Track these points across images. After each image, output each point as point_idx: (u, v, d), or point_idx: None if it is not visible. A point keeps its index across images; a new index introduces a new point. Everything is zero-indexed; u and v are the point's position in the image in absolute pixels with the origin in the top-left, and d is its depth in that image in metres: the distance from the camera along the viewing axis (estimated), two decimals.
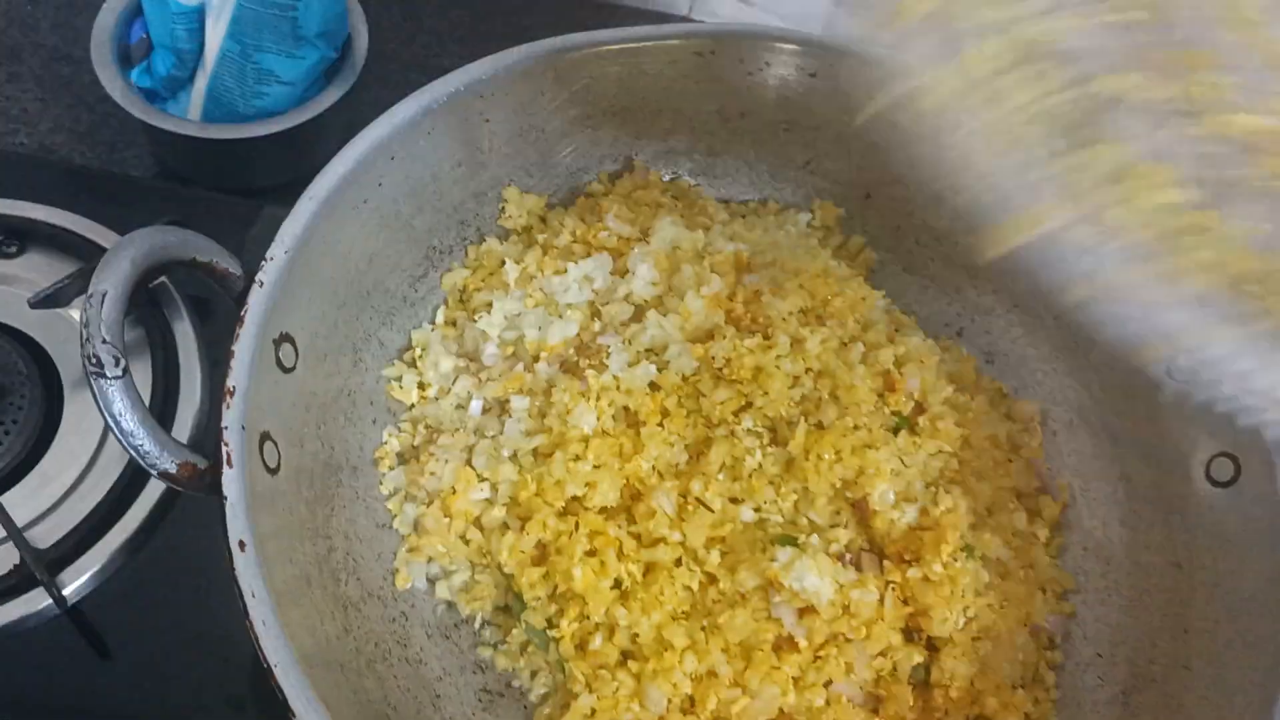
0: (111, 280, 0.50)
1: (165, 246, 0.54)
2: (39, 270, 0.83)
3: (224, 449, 0.53)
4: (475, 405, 0.70)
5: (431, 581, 0.67)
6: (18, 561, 0.70)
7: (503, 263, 0.73)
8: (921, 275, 0.83)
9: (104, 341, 0.49)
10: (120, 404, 0.49)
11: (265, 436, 0.57)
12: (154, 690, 0.70)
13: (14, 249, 0.84)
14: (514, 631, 0.66)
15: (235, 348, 0.56)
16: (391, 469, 0.69)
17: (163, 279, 0.82)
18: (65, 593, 0.70)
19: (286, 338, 0.60)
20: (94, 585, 0.72)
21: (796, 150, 0.82)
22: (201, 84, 0.96)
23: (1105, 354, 0.75)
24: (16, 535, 0.69)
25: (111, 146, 1.00)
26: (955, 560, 0.64)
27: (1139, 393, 0.73)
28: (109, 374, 0.49)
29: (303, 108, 0.93)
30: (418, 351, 0.71)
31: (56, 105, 1.02)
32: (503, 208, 0.76)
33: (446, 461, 0.68)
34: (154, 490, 0.74)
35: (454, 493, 0.67)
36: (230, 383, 0.55)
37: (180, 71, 0.96)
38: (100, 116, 1.02)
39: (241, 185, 0.93)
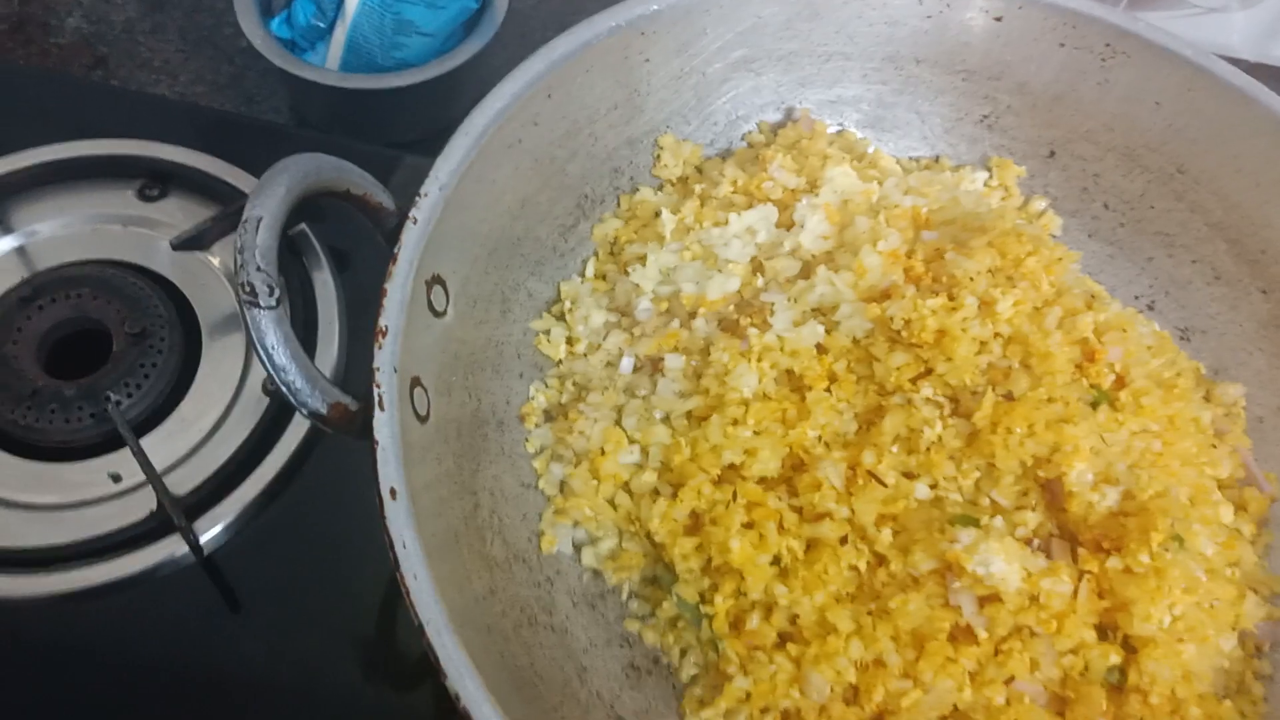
0: (267, 205, 0.47)
1: (320, 174, 0.51)
2: (180, 214, 0.81)
3: (376, 391, 0.50)
4: (626, 363, 0.65)
5: (578, 547, 0.63)
6: (155, 507, 0.69)
7: (657, 213, 0.69)
8: (1108, 242, 0.76)
9: (258, 269, 0.46)
10: (273, 336, 0.46)
11: (415, 382, 0.53)
12: (284, 646, 0.67)
13: (155, 193, 0.83)
14: (663, 605, 0.61)
15: (387, 286, 0.52)
16: (538, 426, 0.65)
17: (302, 226, 0.79)
18: (201, 540, 0.68)
19: (438, 280, 0.57)
20: (228, 535, 0.70)
21: (974, 102, 0.75)
22: (340, 34, 0.94)
23: None
24: (156, 480, 0.67)
25: (250, 98, 0.99)
26: (1165, 551, 0.56)
27: None
28: (263, 303, 0.46)
29: (441, 60, 0.90)
30: (567, 304, 0.67)
31: (198, 57, 1.01)
32: (658, 156, 0.71)
33: (595, 421, 0.63)
34: (291, 439, 0.72)
35: (602, 454, 0.63)
36: (383, 322, 0.51)
37: (320, 21, 0.94)
38: (239, 68, 1.01)
39: (377, 138, 0.91)
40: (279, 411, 0.73)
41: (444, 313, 0.57)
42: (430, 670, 0.65)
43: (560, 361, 0.67)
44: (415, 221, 0.54)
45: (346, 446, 0.73)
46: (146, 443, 0.70)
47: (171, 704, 0.66)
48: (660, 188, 0.72)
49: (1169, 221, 0.74)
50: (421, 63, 0.92)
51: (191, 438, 0.73)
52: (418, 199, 0.55)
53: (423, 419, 0.54)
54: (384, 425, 0.49)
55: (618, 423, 0.64)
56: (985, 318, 0.60)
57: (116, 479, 0.71)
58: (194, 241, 0.74)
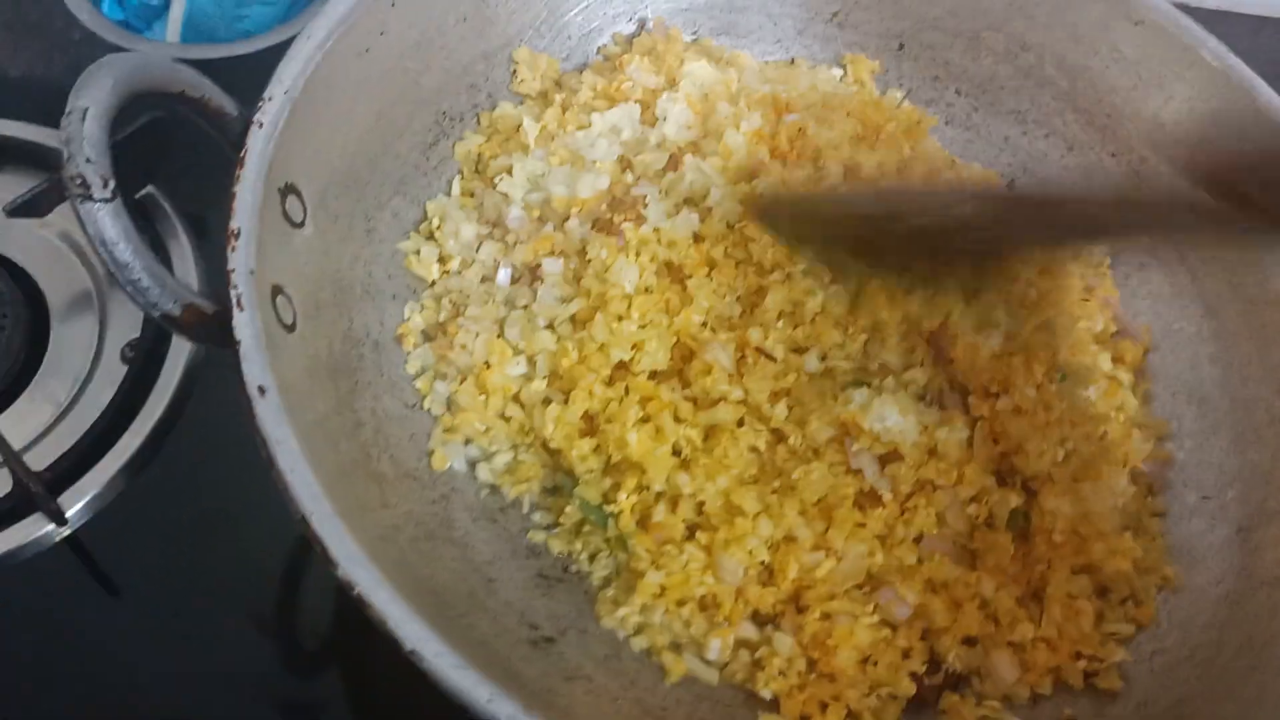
0: (93, 95, 0.44)
1: (149, 72, 0.48)
2: (11, 188, 0.76)
3: (233, 292, 0.47)
4: (503, 274, 0.63)
5: (472, 464, 0.61)
6: (10, 486, 0.64)
7: (519, 126, 0.67)
8: (965, 128, 0.77)
9: (88, 160, 0.42)
10: (112, 230, 0.43)
11: (277, 290, 0.51)
12: (170, 630, 0.63)
13: None
14: (566, 511, 0.59)
15: (236, 189, 0.50)
16: (416, 346, 0.63)
17: (150, 189, 0.75)
18: (66, 515, 0.63)
19: (292, 189, 0.54)
20: (96, 510, 0.65)
21: (824, 1, 0.76)
22: (178, 10, 0.91)
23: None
24: (10, 455, 0.62)
25: None
26: (1050, 384, 0.57)
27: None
28: (96, 195, 0.42)
29: (286, 25, 0.87)
30: (435, 222, 0.65)
31: (27, 50, 0.95)
32: (514, 71, 0.70)
33: (477, 335, 0.61)
34: (156, 404, 0.68)
35: (488, 368, 0.61)
36: (234, 224, 0.48)
37: None
38: (73, 58, 0.95)
39: None
40: (140, 374, 0.69)
41: (302, 224, 0.55)
42: (338, 651, 0.63)
43: (434, 282, 0.64)
44: (260, 125, 0.52)
45: (219, 408, 0.70)
46: None
47: (48, 700, 0.62)
48: (520, 103, 0.70)
49: (1019, 99, 0.75)
50: (264, 32, 0.88)
51: (47, 413, 0.68)
52: (261, 103, 0.52)
53: (289, 328, 0.51)
54: (245, 325, 0.46)
55: (500, 335, 0.62)
56: (851, 183, 0.61)
57: None
58: (29, 208, 0.69)
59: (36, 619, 0.63)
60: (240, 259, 0.48)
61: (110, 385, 0.69)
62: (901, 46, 0.77)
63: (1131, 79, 0.70)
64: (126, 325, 0.71)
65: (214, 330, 0.47)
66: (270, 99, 0.53)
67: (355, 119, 0.60)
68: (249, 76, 0.87)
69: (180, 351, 0.70)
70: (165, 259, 0.74)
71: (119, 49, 0.84)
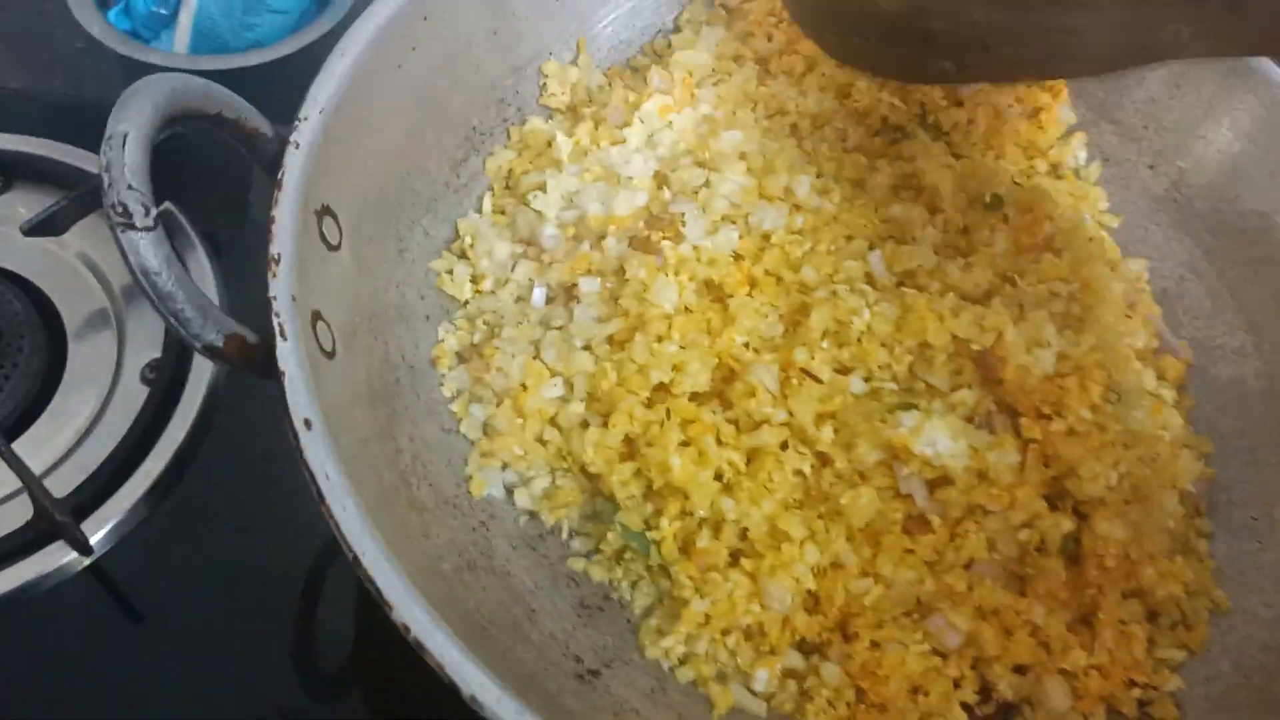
0: (132, 121, 0.42)
1: (187, 94, 0.47)
2: (27, 205, 0.75)
3: (276, 320, 0.45)
4: (538, 294, 0.62)
5: (509, 489, 0.59)
6: (32, 515, 0.62)
7: (550, 141, 0.66)
8: None
9: (129, 187, 0.41)
10: (155, 259, 0.41)
11: (317, 316, 0.49)
12: (195, 656, 0.61)
13: None
14: (607, 538, 0.58)
15: (276, 213, 0.48)
16: (451, 369, 0.61)
17: (168, 205, 0.73)
18: (92, 543, 0.61)
19: (328, 211, 0.52)
20: (119, 537, 0.64)
21: None
22: (186, 20, 0.88)
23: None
24: (33, 482, 0.60)
25: (96, 95, 0.91)
26: (1106, 404, 0.56)
27: (1254, 236, 0.67)
28: (139, 223, 0.41)
29: (296, 36, 0.85)
30: (467, 241, 0.63)
31: (31, 63, 0.93)
32: (544, 84, 0.69)
33: (513, 356, 0.60)
34: (178, 428, 0.66)
35: (524, 390, 0.59)
36: (275, 249, 0.47)
37: (161, 8, 0.88)
38: (78, 70, 0.93)
39: None
40: (162, 399, 0.67)
41: (338, 246, 0.53)
42: (360, 675, 0.61)
43: (467, 301, 0.63)
44: (298, 146, 0.50)
45: (241, 431, 0.68)
46: (16, 447, 0.63)
47: None
48: (550, 117, 0.69)
49: None
50: (276, 41, 0.87)
51: (67, 438, 0.66)
52: (297, 123, 0.51)
53: (329, 355, 0.49)
54: (289, 355, 0.45)
55: (536, 356, 0.60)
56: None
57: None
58: (46, 226, 0.68)
59: (59, 648, 0.61)
60: (282, 286, 0.46)
61: (131, 407, 0.67)
62: None
63: None
64: (146, 345, 0.70)
65: (257, 361, 0.45)
66: (306, 119, 0.51)
67: (387, 137, 0.59)
68: (262, 88, 0.86)
69: (202, 372, 0.68)
70: None
71: (127, 59, 0.82)
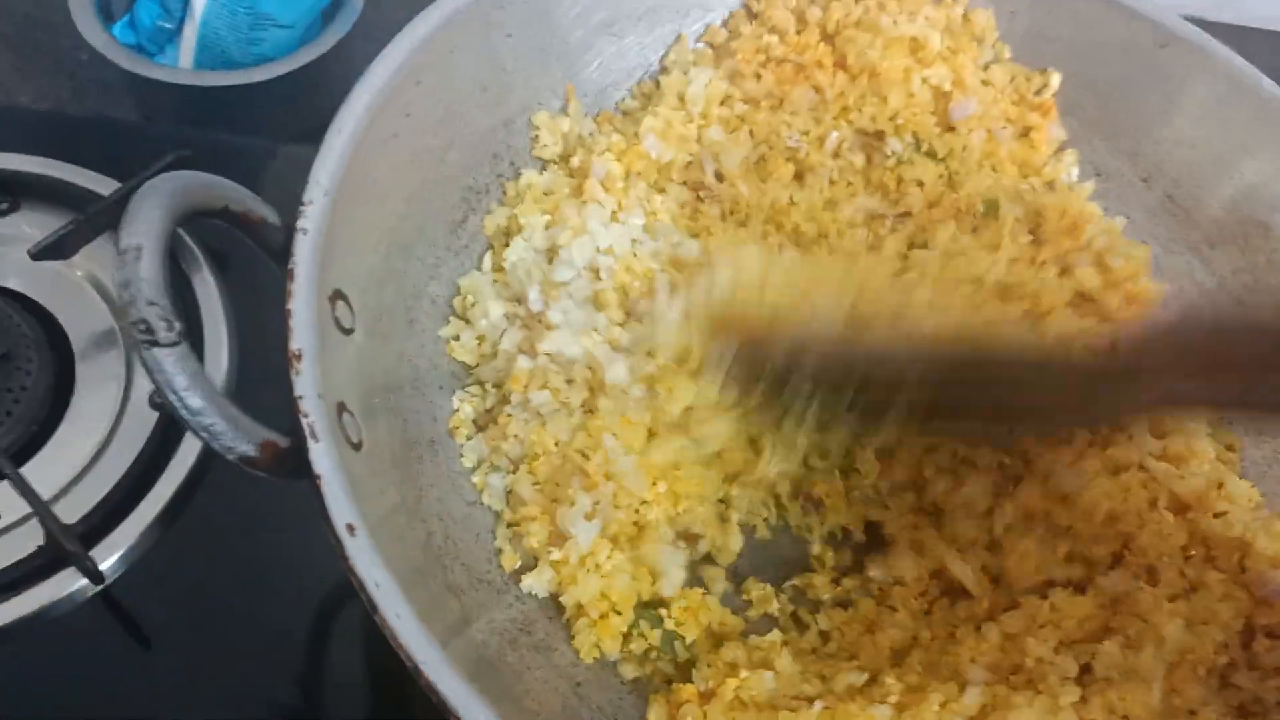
0: (144, 232, 0.40)
1: (191, 193, 0.45)
2: (34, 227, 0.73)
3: (305, 421, 0.43)
4: (523, 362, 0.60)
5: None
6: (42, 541, 0.60)
7: (548, 192, 0.65)
8: None
9: (150, 303, 0.39)
10: (182, 377, 0.40)
11: (342, 408, 0.47)
12: (203, 684, 0.60)
13: (4, 206, 0.74)
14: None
15: (292, 306, 0.46)
16: (469, 439, 0.60)
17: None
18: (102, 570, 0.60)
19: (340, 295, 0.51)
20: (128, 564, 0.62)
21: None
22: (191, 34, 0.86)
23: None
24: (42, 509, 0.59)
25: (100, 112, 0.88)
26: None
27: (1255, 244, 0.67)
28: (162, 340, 0.39)
29: (302, 51, 0.84)
30: (468, 300, 0.62)
31: (33, 74, 0.89)
32: (535, 136, 0.67)
33: (525, 422, 0.59)
34: (188, 452, 0.65)
35: (536, 459, 0.58)
36: (295, 345, 0.45)
37: (167, 22, 0.87)
38: (80, 82, 0.89)
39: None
40: (170, 424, 0.66)
41: (351, 330, 0.51)
42: (370, 702, 0.60)
43: (476, 366, 0.62)
44: (305, 233, 0.48)
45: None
46: (24, 473, 0.62)
47: None
48: (543, 169, 0.68)
49: None
50: (282, 56, 0.85)
51: (75, 463, 0.64)
52: (302, 209, 0.49)
53: (356, 447, 0.48)
54: (323, 456, 0.43)
55: (544, 425, 0.59)
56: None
57: None
58: (55, 250, 0.66)
59: (67, 676, 0.60)
60: (307, 383, 0.45)
61: (140, 432, 0.66)
62: None
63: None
64: None
65: (289, 465, 0.44)
66: (311, 203, 0.49)
67: (388, 208, 0.57)
68: (266, 103, 0.84)
69: None
70: (190, 294, 0.71)
71: (131, 75, 0.81)
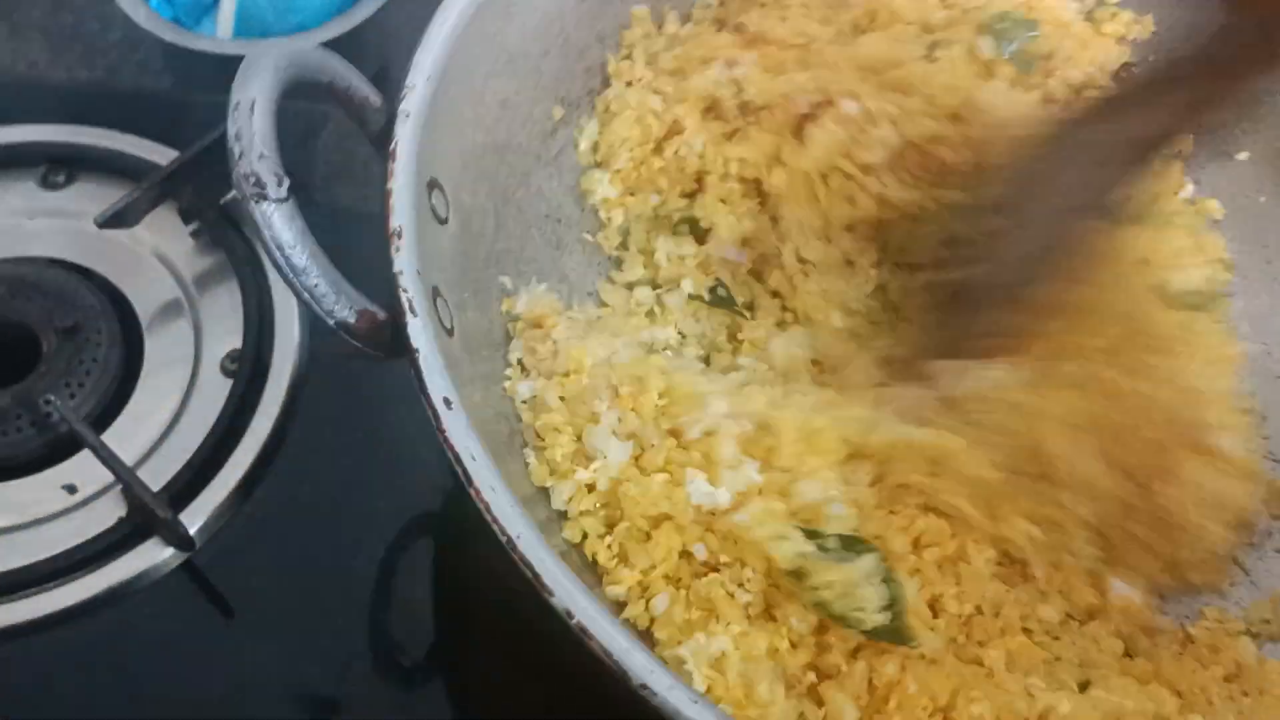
0: (258, 88, 0.40)
1: (303, 62, 0.45)
2: (92, 200, 0.73)
3: (404, 296, 0.43)
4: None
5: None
6: (124, 513, 0.61)
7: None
8: None
9: (261, 156, 0.39)
10: (288, 233, 0.39)
11: (436, 292, 0.47)
12: (287, 651, 0.60)
13: (61, 179, 0.74)
14: None
15: (392, 185, 0.46)
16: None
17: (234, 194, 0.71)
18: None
19: (436, 184, 0.50)
20: (211, 532, 0.62)
21: None
22: (229, 6, 0.86)
23: None
24: (130, 476, 0.59)
25: (146, 85, 0.89)
26: None
27: None
28: (272, 195, 0.39)
29: (342, 18, 0.83)
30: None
31: (67, 56, 0.90)
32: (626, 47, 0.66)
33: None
34: (266, 416, 0.65)
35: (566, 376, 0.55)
36: (395, 223, 0.45)
37: None
38: (114, 62, 0.89)
39: None
40: (245, 390, 0.65)
41: (446, 220, 0.51)
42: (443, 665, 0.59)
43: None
44: (408, 116, 0.48)
45: (327, 420, 0.66)
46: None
47: None
48: (629, 85, 0.66)
49: None
50: (319, 25, 0.84)
51: (151, 432, 0.64)
52: (405, 91, 0.49)
53: (449, 331, 0.47)
54: (420, 332, 0.43)
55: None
56: None
57: (72, 490, 0.62)
58: (119, 219, 0.66)
59: (154, 647, 0.60)
60: (406, 260, 0.44)
61: (215, 399, 0.65)
62: None
63: None
64: (224, 335, 0.68)
65: (385, 338, 0.43)
66: (413, 86, 0.49)
67: (484, 108, 0.57)
68: None
69: (285, 360, 0.67)
70: (257, 263, 0.70)
71: (173, 46, 0.80)
